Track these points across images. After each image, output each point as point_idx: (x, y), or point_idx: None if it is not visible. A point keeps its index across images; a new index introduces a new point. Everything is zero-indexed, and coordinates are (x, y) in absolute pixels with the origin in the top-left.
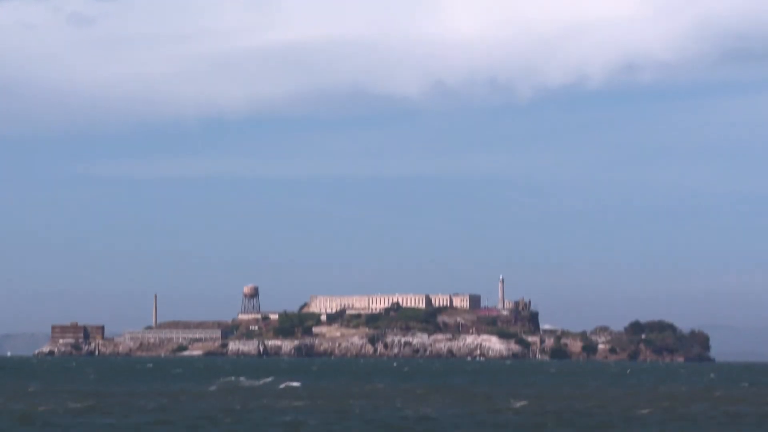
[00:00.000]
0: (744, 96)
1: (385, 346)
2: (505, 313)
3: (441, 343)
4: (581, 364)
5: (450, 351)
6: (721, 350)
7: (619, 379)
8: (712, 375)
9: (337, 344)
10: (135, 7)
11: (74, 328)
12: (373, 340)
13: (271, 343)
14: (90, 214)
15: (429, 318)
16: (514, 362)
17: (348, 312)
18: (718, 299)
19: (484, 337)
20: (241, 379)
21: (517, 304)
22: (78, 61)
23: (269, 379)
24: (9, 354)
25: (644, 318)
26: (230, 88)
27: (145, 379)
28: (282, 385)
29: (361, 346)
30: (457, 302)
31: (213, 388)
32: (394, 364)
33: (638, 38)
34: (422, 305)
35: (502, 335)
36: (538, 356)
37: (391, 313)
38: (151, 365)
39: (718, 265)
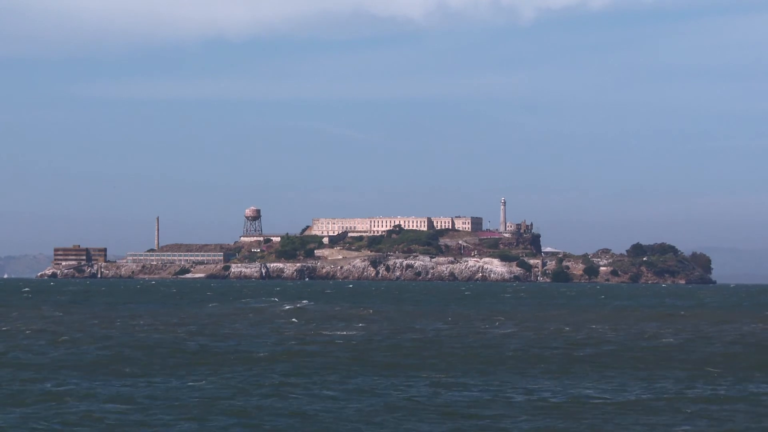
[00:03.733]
0: (748, 16)
1: (387, 269)
2: (507, 235)
3: (443, 266)
4: (582, 285)
5: (452, 274)
6: (723, 272)
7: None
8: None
9: (339, 267)
10: None
11: (76, 250)
12: (375, 263)
13: (273, 265)
14: (92, 136)
15: (431, 240)
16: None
17: (350, 234)
18: (720, 222)
19: (486, 259)
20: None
21: (519, 226)
22: None
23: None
24: (6, 276)
25: (646, 241)
26: (233, 10)
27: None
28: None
29: (363, 269)
30: (459, 225)
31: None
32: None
33: None
34: (424, 228)
35: (504, 258)
36: (540, 279)
37: (393, 236)
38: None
39: (720, 188)
